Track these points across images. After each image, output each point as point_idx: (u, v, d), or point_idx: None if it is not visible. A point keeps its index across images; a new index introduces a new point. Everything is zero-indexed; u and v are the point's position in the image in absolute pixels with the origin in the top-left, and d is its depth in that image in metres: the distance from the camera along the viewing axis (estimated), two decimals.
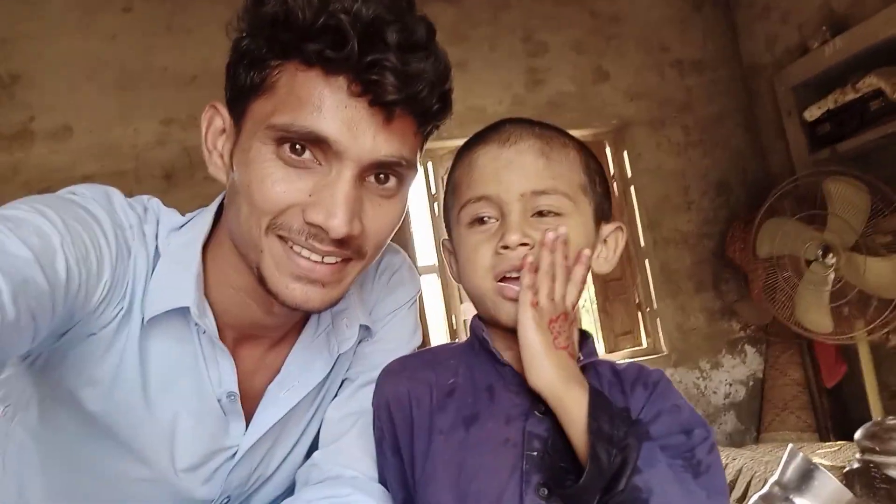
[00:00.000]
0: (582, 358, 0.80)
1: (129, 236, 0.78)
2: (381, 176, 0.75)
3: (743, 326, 3.54)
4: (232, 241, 0.79)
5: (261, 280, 0.74)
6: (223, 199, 0.82)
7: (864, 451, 1.34)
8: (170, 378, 0.82)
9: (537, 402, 0.75)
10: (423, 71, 0.69)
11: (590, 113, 3.43)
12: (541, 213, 0.78)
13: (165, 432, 0.82)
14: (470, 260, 0.80)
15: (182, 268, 0.79)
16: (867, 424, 1.34)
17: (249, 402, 0.87)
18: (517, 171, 0.78)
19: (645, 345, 3.46)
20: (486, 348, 0.81)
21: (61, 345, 0.76)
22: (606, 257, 0.85)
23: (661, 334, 3.42)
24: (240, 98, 0.74)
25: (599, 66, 3.48)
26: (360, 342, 0.93)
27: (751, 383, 3.51)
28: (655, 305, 3.42)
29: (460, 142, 0.86)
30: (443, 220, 0.89)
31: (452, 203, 0.84)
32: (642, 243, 3.44)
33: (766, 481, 1.08)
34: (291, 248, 0.72)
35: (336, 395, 0.94)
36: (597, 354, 0.84)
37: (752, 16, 3.61)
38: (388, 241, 0.82)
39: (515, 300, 0.76)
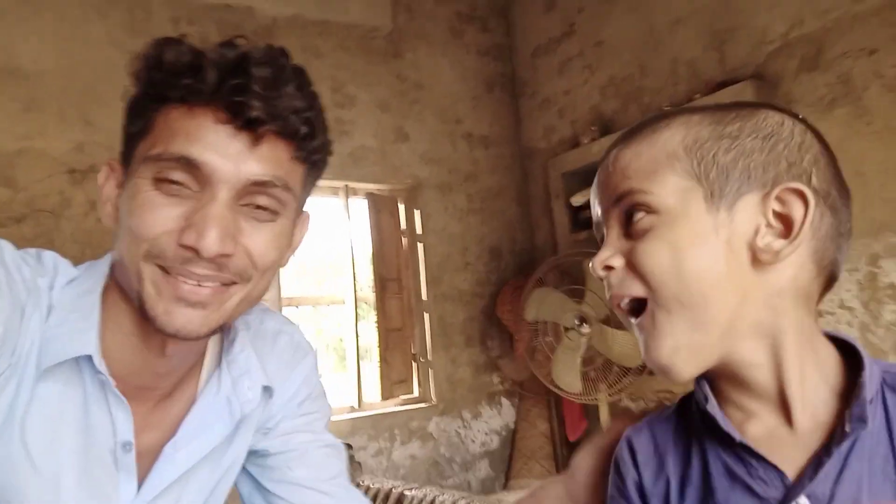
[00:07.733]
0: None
1: (20, 290, 0.75)
2: (261, 200, 0.76)
3: (503, 380, 3.90)
4: (119, 280, 0.79)
5: (142, 309, 0.74)
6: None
7: None
8: (56, 433, 0.78)
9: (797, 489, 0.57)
10: (285, 94, 0.75)
11: (388, 170, 3.61)
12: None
13: (50, 490, 0.78)
14: None
15: (80, 316, 0.78)
16: None
17: (139, 461, 0.85)
18: None
19: (416, 393, 3.66)
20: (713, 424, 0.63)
21: None
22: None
23: (432, 384, 3.64)
24: (128, 146, 0.78)
25: (401, 127, 3.69)
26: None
27: (503, 433, 3.86)
28: (430, 356, 3.64)
29: None
30: None
31: None
32: (424, 297, 3.66)
33: None
34: (170, 274, 0.73)
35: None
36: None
37: (533, 106, 4.08)
38: (276, 268, 0.83)
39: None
